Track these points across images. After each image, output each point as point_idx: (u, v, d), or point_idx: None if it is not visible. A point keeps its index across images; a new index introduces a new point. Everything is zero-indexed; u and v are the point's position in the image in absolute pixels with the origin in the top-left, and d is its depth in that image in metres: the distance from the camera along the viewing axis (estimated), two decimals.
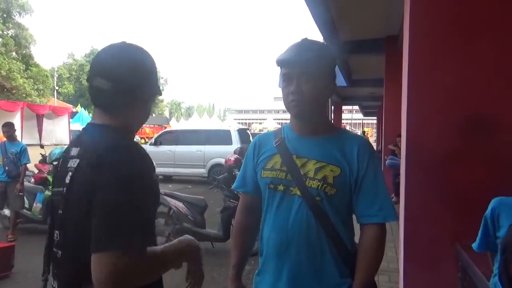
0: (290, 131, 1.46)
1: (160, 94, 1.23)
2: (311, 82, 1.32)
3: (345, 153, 1.35)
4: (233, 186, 1.63)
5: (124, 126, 1.12)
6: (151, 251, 0.99)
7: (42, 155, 7.05)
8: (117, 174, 0.96)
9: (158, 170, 11.50)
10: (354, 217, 1.41)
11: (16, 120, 18.73)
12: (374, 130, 45.47)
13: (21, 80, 30.42)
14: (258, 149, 1.50)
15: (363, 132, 36.58)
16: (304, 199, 1.33)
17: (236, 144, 10.92)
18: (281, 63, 1.37)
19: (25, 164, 5.70)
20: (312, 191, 1.32)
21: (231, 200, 4.98)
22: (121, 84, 1.08)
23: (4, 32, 31.61)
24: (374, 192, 1.34)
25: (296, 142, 1.41)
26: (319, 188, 1.32)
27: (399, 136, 6.10)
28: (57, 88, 41.56)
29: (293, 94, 1.33)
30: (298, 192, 1.34)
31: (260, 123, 60.98)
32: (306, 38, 1.40)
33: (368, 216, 1.34)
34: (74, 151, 1.10)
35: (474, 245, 1.97)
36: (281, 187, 1.37)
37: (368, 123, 65.65)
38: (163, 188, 6.41)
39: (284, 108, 1.42)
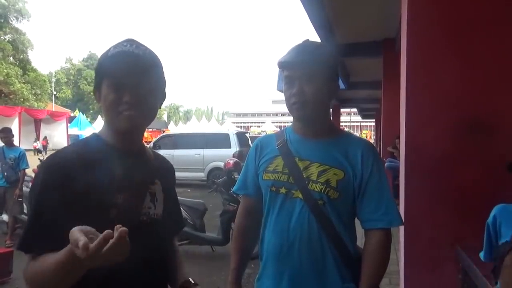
0: (292, 133, 1.43)
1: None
2: (313, 83, 1.30)
3: (348, 157, 1.33)
4: (233, 189, 1.60)
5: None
6: (45, 257, 0.93)
7: (41, 161, 7.03)
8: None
9: None
10: (357, 221, 1.39)
11: (14, 125, 18.68)
12: (372, 132, 45.46)
13: (19, 85, 30.42)
14: (259, 151, 1.47)
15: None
16: (306, 202, 1.31)
17: (235, 147, 10.91)
18: (283, 65, 1.34)
19: (24, 169, 5.68)
20: (314, 195, 1.30)
21: (230, 203, 4.96)
22: None
23: (2, 37, 31.64)
24: (379, 197, 1.31)
25: (299, 144, 1.39)
26: (322, 191, 1.29)
27: (398, 137, 6.11)
28: (55, 92, 41.49)
29: (295, 96, 1.31)
30: (300, 195, 1.32)
31: (259, 126, 60.96)
32: (308, 40, 1.39)
33: (372, 221, 1.31)
34: None
35: (481, 255, 1.91)
36: (283, 190, 1.35)
37: (366, 126, 65.66)
38: None
39: (282, 111, 1.44)
